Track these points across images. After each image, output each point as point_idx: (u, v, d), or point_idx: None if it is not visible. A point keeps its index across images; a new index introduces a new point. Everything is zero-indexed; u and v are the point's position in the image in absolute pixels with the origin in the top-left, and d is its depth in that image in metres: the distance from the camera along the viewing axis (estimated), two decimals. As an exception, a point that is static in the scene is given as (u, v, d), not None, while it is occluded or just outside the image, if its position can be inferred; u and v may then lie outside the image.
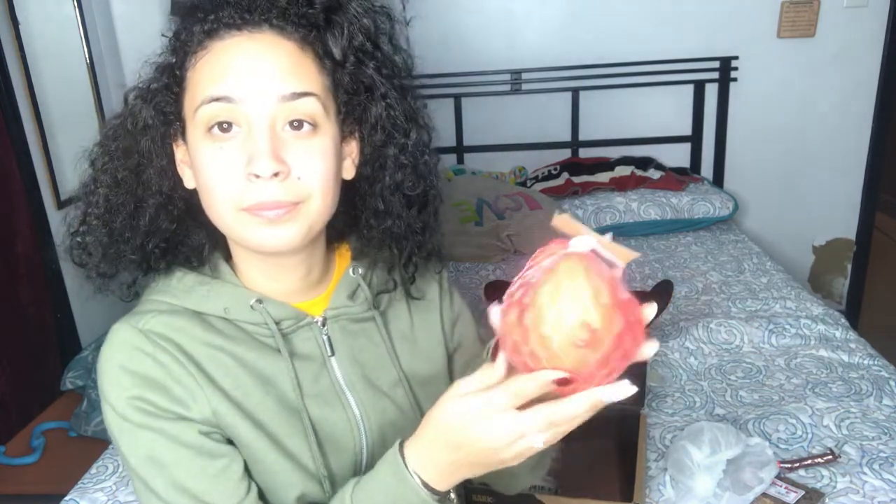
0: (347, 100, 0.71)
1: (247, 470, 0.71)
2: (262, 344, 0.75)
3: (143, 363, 0.69)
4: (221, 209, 0.68)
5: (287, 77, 0.66)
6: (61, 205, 2.35)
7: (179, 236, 0.76)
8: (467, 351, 0.92)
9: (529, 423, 0.56)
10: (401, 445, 0.65)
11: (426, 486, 0.63)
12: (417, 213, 0.78)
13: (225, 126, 0.66)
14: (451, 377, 0.87)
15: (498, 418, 0.57)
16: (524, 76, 2.88)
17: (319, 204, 0.69)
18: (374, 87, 0.72)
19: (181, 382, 0.69)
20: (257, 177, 0.65)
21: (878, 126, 2.87)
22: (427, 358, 0.84)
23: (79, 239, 0.75)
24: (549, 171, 2.90)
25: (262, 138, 0.65)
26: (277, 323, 0.75)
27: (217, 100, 0.66)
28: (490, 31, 2.89)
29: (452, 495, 0.67)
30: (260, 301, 0.74)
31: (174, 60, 0.70)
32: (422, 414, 0.67)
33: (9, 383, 2.19)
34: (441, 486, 0.64)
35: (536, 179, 2.89)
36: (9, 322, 2.19)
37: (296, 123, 0.67)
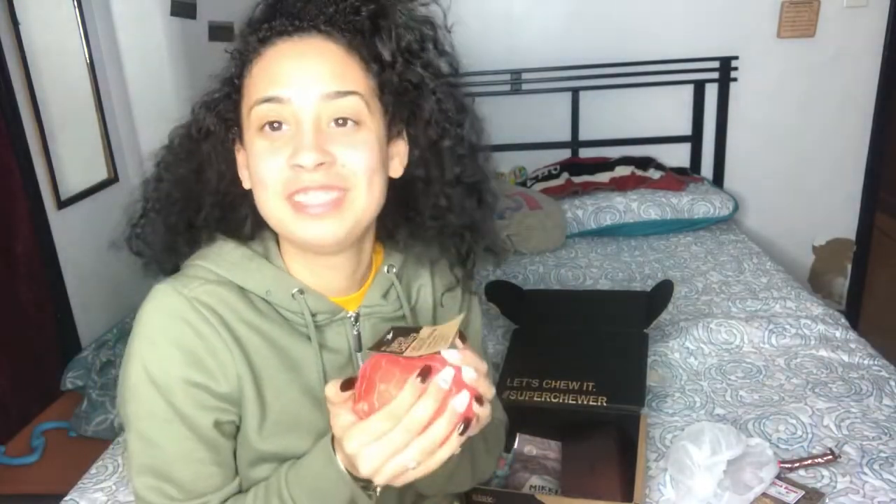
0: (395, 101, 0.74)
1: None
2: (296, 331, 0.77)
3: (184, 333, 0.71)
4: (267, 197, 0.71)
5: (331, 77, 0.70)
6: (61, 205, 2.34)
7: (229, 211, 0.80)
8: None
9: (369, 425, 0.61)
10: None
11: (349, 472, 0.66)
12: (476, 205, 0.82)
13: (276, 125, 0.70)
14: None
15: (346, 413, 0.63)
16: (524, 76, 2.88)
17: (364, 196, 0.72)
18: (423, 84, 0.75)
19: (216, 355, 0.72)
20: (301, 167, 0.68)
21: (878, 126, 2.87)
22: None
23: (138, 230, 0.80)
24: (549, 171, 2.90)
25: (307, 132, 0.69)
26: (314, 315, 0.77)
27: (268, 100, 0.70)
28: (490, 30, 2.89)
29: (378, 486, 0.68)
30: (301, 292, 0.77)
31: (234, 71, 0.75)
32: None
33: (9, 383, 2.18)
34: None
35: (536, 179, 2.89)
36: (9, 322, 2.19)
37: (340, 121, 0.70)
